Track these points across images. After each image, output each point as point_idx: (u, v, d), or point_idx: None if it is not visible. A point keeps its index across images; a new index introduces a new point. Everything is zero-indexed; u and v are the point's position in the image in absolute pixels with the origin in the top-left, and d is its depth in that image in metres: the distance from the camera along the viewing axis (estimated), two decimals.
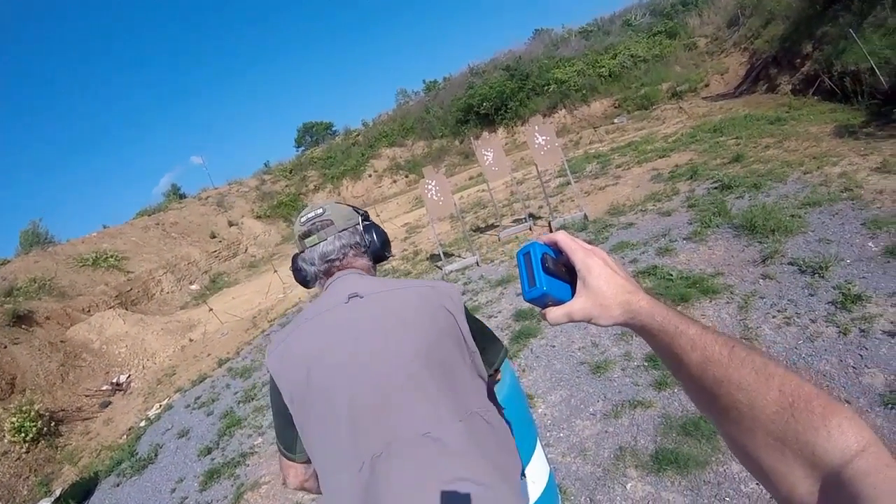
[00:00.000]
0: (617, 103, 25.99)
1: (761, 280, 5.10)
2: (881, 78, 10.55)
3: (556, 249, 0.88)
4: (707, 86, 22.90)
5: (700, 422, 3.53)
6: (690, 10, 30.01)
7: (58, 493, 8.79)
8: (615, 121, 23.37)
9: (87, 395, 12.86)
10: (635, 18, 32.08)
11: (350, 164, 34.43)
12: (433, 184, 9.64)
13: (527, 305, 6.59)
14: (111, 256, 22.34)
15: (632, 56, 27.17)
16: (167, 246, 25.42)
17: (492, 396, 1.57)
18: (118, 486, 7.60)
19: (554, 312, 0.84)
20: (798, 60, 15.82)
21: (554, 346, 5.39)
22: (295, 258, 1.78)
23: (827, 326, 4.15)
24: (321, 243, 1.67)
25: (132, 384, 13.01)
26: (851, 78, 11.65)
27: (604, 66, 27.45)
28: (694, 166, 9.94)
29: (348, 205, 1.83)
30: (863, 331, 3.94)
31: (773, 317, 4.46)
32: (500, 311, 6.92)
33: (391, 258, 2.38)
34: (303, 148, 46.58)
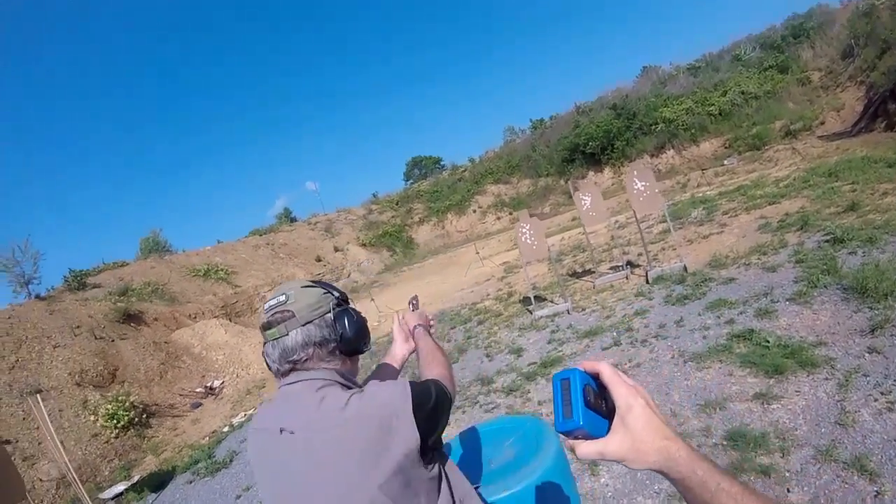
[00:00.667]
0: (727, 143, 25.06)
1: (867, 354, 4.58)
2: None
3: (597, 379, 0.86)
4: (822, 123, 21.67)
5: None
6: (802, 42, 28.46)
7: (136, 478, 9.34)
8: (724, 162, 22.47)
9: (180, 395, 13.56)
10: (745, 53, 30.87)
11: (455, 198, 34.96)
12: (527, 227, 9.55)
13: (612, 362, 6.31)
14: (221, 269, 23.77)
15: (742, 93, 26.12)
16: (274, 265, 26.70)
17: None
18: (191, 483, 8.01)
19: (585, 448, 0.81)
20: None
21: None
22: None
23: None
24: (281, 339, 1.46)
25: (224, 390, 13.69)
26: None
27: (713, 104, 26.58)
28: (805, 215, 9.33)
29: (321, 284, 1.62)
30: None
31: (876, 399, 3.97)
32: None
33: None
34: (411, 181, 47.76)
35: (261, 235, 30.78)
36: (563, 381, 0.81)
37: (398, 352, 2.06)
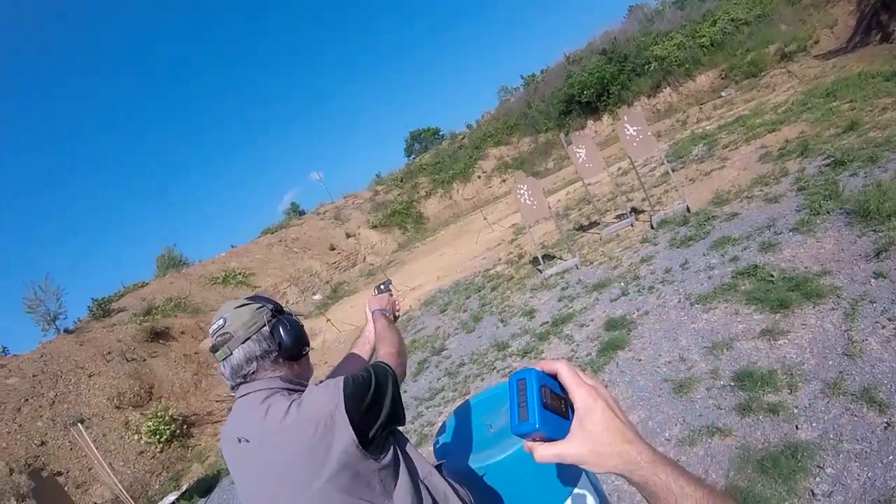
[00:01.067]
0: (723, 74, 24.62)
1: (873, 279, 4.50)
2: None
3: (555, 379, 0.82)
4: (817, 42, 21.19)
5: (780, 457, 3.21)
6: None
7: (184, 487, 9.63)
8: (722, 94, 22.19)
9: (217, 401, 13.77)
10: None
11: (458, 167, 34.84)
12: (525, 188, 9.53)
13: (619, 313, 6.39)
14: (239, 273, 23.99)
15: (732, 20, 25.56)
16: (290, 260, 26.85)
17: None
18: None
19: (543, 451, 0.78)
20: None
21: (640, 360, 5.17)
22: None
23: None
24: (227, 358, 1.58)
25: None
26: None
27: (704, 36, 26.05)
28: (805, 140, 9.22)
29: (255, 299, 1.72)
30: None
31: (883, 327, 3.90)
32: (592, 320, 6.76)
33: (394, 309, 2.29)
34: (412, 156, 47.42)
35: (272, 233, 30.93)
36: (519, 382, 0.79)
37: (368, 335, 2.23)
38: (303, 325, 1.73)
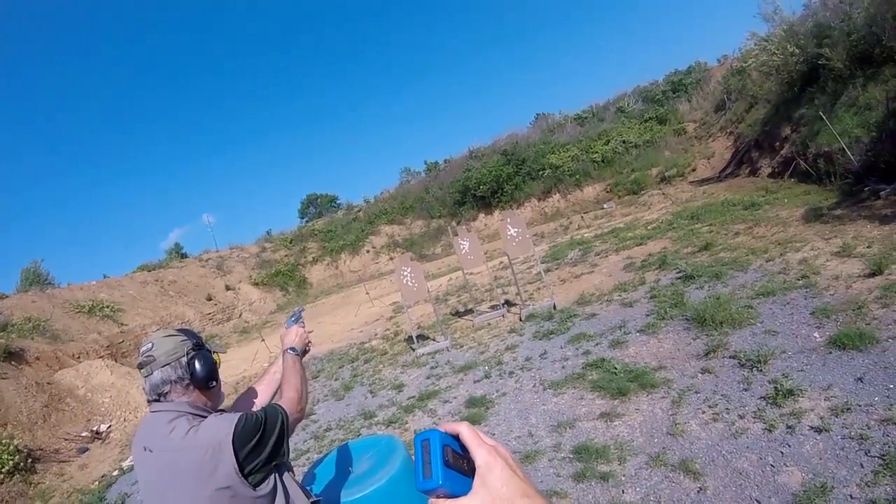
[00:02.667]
0: (609, 188, 26.32)
1: (700, 374, 5.26)
2: (852, 157, 10.78)
3: (458, 440, 0.85)
4: (694, 170, 23.27)
5: None
6: (680, 97, 30.67)
7: None
8: (604, 206, 23.71)
9: (66, 439, 12.91)
10: (628, 105, 32.73)
11: (350, 238, 34.84)
12: (408, 270, 9.92)
13: (480, 393, 6.78)
14: (107, 307, 22.49)
15: (624, 142, 27.64)
16: (163, 303, 25.62)
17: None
18: None
19: None
20: (777, 143, 16.12)
21: (494, 435, 5.50)
22: None
23: (754, 422, 4.24)
24: (148, 377, 1.88)
25: (111, 434, 13.09)
26: (825, 159, 11.92)
27: (597, 152, 27.91)
28: (665, 255, 10.22)
29: (182, 332, 2.02)
30: (789, 427, 4.00)
31: (703, 412, 4.59)
32: (455, 397, 7.09)
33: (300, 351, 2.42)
34: (306, 219, 47.08)
35: (149, 271, 29.37)
36: (423, 442, 0.81)
37: (275, 373, 2.44)
38: (217, 362, 2.05)
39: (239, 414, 1.80)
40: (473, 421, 5.97)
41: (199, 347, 1.99)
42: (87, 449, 12.43)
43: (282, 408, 1.95)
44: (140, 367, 1.91)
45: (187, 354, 1.92)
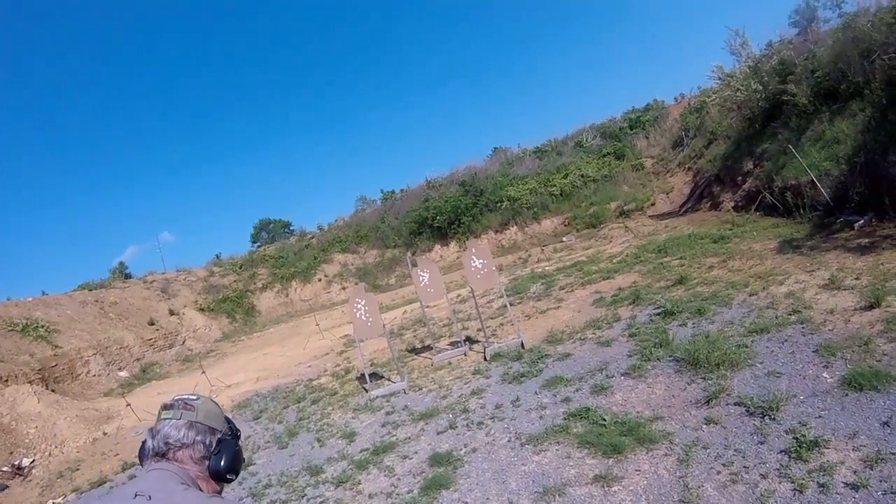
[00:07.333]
0: (567, 221, 26.23)
1: (704, 426, 4.58)
2: (822, 190, 10.70)
3: None
4: (653, 205, 23.35)
5: None
6: (638, 133, 31.32)
7: None
8: (564, 239, 23.50)
9: None
10: (587, 140, 32.98)
11: (301, 266, 33.99)
12: (363, 303, 9.14)
13: (445, 448, 5.94)
14: (42, 326, 20.80)
15: (582, 176, 27.74)
16: (102, 326, 23.98)
17: None
18: None
19: None
20: (740, 178, 16.20)
21: (466, 503, 4.71)
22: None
23: (780, 482, 3.64)
24: (171, 421, 1.60)
25: (34, 471, 11.77)
26: (793, 192, 11.86)
27: (555, 185, 27.93)
28: (637, 289, 9.64)
29: (226, 416, 1.75)
30: (822, 486, 3.47)
31: (718, 472, 3.91)
32: (416, 452, 6.24)
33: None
34: (257, 244, 46.16)
35: (90, 290, 27.78)
36: None
37: None
38: (243, 461, 1.77)
39: None
40: (440, 485, 5.13)
41: (236, 438, 1.75)
42: (7, 486, 11.17)
43: None
44: (168, 407, 1.66)
45: (222, 433, 1.68)
